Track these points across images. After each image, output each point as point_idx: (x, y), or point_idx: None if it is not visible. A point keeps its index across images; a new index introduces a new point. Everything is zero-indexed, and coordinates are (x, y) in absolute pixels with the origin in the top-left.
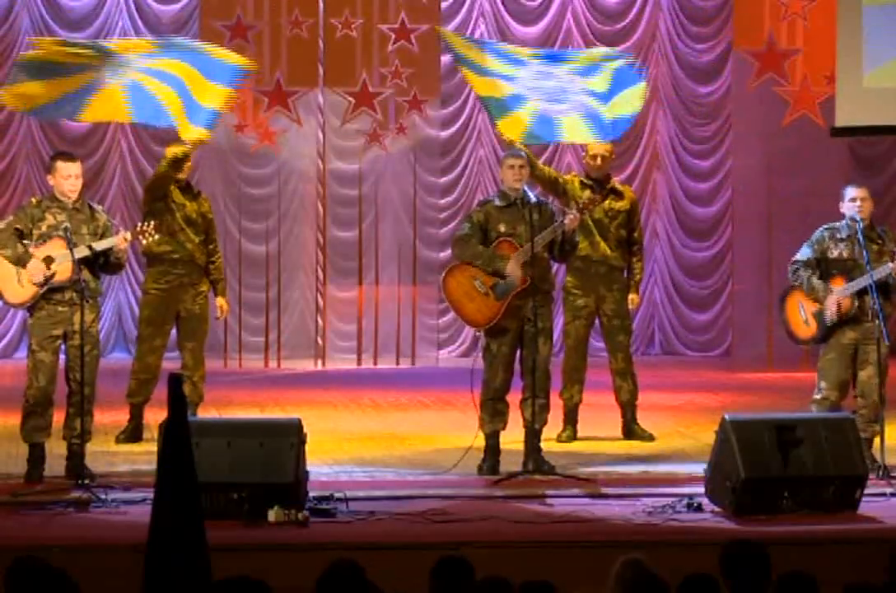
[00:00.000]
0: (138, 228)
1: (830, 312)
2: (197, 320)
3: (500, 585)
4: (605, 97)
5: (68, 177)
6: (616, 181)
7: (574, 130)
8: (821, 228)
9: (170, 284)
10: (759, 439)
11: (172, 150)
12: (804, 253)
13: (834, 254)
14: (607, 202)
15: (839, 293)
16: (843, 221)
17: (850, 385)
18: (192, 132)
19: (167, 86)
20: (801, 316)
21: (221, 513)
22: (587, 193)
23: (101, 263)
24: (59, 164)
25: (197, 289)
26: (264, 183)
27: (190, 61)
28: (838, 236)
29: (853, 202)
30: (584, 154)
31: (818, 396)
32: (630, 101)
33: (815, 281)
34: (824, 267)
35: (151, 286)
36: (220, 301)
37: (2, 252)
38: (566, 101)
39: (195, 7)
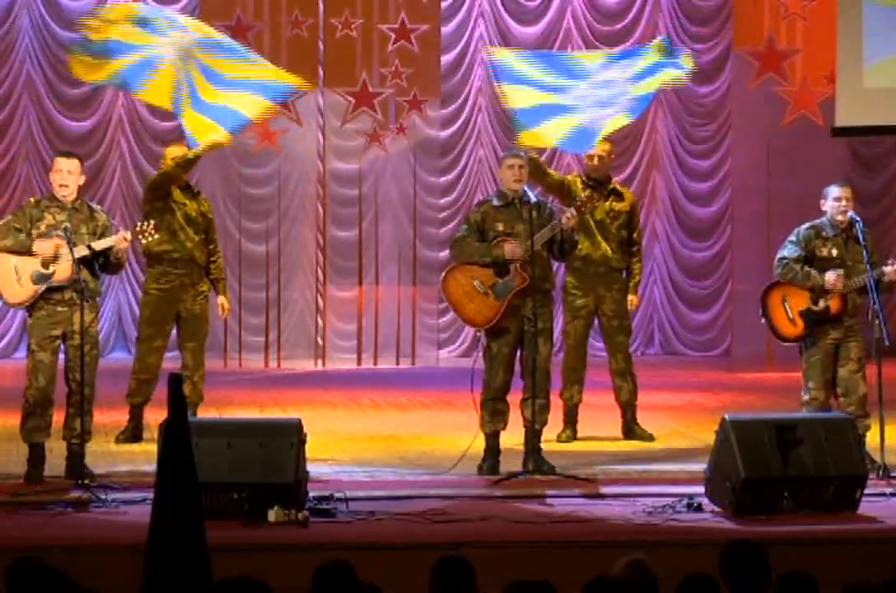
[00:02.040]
0: (138, 228)
1: (839, 285)
2: (197, 320)
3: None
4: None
5: (59, 171)
6: (616, 182)
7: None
8: (804, 226)
9: (170, 284)
10: (759, 439)
11: (183, 151)
12: (791, 250)
13: (823, 252)
14: (609, 203)
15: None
16: (824, 219)
17: (833, 383)
18: (213, 133)
19: (213, 87)
20: (787, 314)
21: (221, 513)
22: (587, 193)
23: (101, 263)
24: (56, 159)
25: (197, 290)
26: (264, 183)
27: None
28: (824, 235)
29: (838, 201)
30: (582, 154)
31: (807, 397)
32: (654, 81)
33: (810, 269)
34: (813, 265)
35: (152, 286)
36: (221, 299)
37: (3, 242)
38: (613, 105)
39: (195, 7)
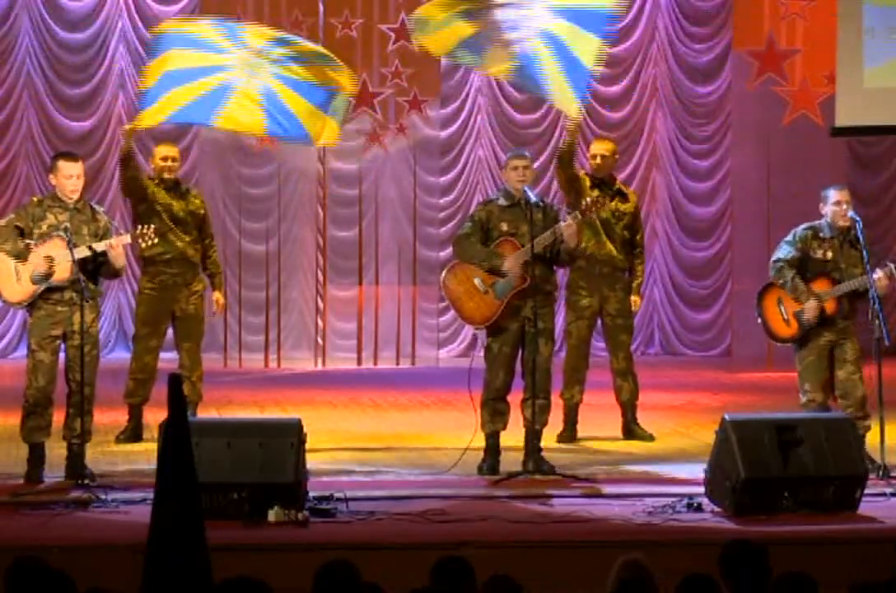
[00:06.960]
0: (137, 231)
1: (810, 316)
2: (192, 320)
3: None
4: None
5: (70, 177)
6: (619, 182)
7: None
8: (802, 227)
9: (163, 284)
10: (759, 439)
11: (173, 150)
12: (787, 251)
13: (817, 254)
14: (614, 203)
15: (824, 295)
16: (823, 221)
17: (831, 385)
18: (329, 132)
19: (297, 94)
20: (782, 314)
21: (221, 513)
22: (595, 192)
23: (91, 269)
24: (61, 164)
25: (191, 289)
26: (264, 183)
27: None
28: (821, 236)
29: (837, 206)
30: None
31: (805, 399)
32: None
33: (799, 282)
34: (806, 266)
35: (146, 285)
36: (216, 295)
37: (2, 246)
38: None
39: (195, 7)
